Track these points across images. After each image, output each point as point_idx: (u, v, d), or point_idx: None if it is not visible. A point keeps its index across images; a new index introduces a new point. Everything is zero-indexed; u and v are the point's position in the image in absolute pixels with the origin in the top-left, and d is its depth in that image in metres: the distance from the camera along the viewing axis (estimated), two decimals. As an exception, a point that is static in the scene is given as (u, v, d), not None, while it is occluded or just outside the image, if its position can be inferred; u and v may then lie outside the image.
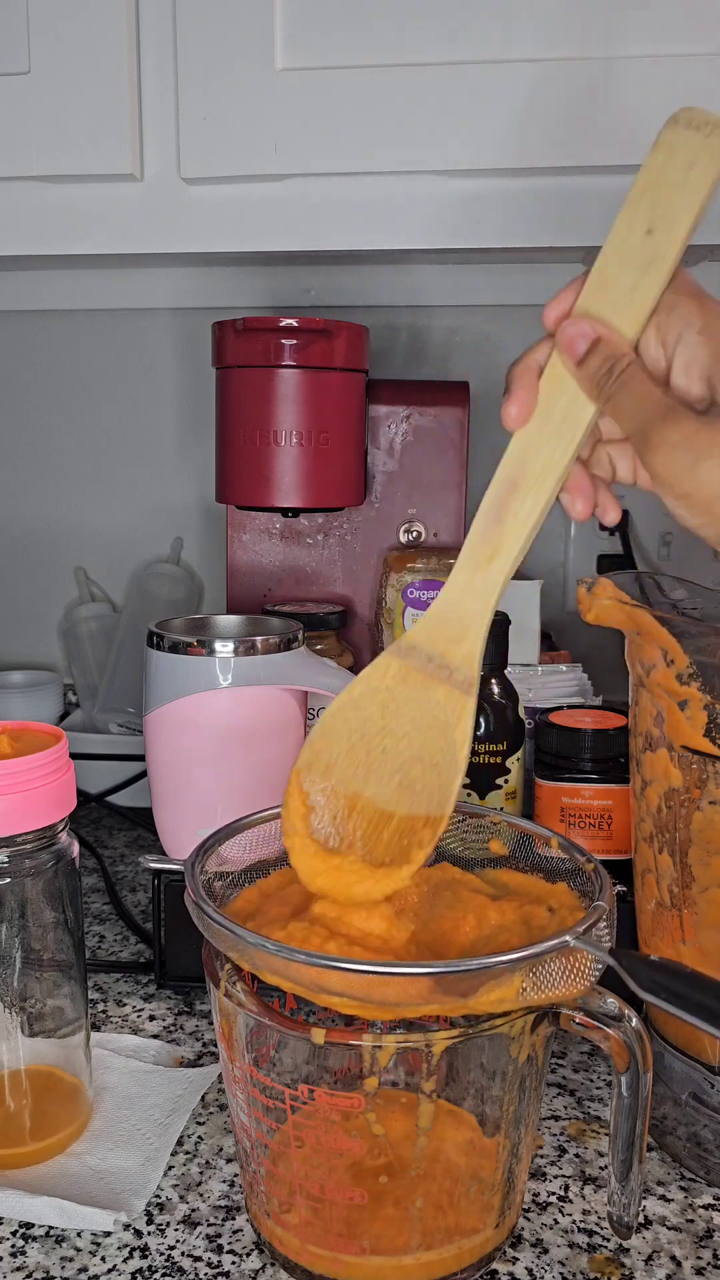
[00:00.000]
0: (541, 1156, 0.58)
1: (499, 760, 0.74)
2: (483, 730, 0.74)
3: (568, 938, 0.44)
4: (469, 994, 0.43)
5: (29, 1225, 0.53)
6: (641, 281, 0.48)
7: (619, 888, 0.52)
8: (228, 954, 0.47)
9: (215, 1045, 0.67)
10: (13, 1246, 0.51)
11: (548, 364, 0.49)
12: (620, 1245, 0.52)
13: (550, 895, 0.52)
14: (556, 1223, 0.53)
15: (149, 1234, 0.52)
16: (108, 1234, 0.52)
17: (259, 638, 0.68)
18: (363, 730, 0.50)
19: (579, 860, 0.53)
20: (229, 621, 0.73)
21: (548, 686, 0.91)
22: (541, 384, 0.48)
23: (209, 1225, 0.53)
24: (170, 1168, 0.56)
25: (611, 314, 0.48)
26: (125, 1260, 0.50)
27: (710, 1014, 0.42)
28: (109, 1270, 0.50)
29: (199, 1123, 0.60)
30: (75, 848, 0.58)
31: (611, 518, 0.51)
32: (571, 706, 0.78)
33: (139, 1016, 0.71)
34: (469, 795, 0.75)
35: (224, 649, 0.67)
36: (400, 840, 0.50)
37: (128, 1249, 0.51)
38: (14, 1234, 0.52)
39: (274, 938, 0.46)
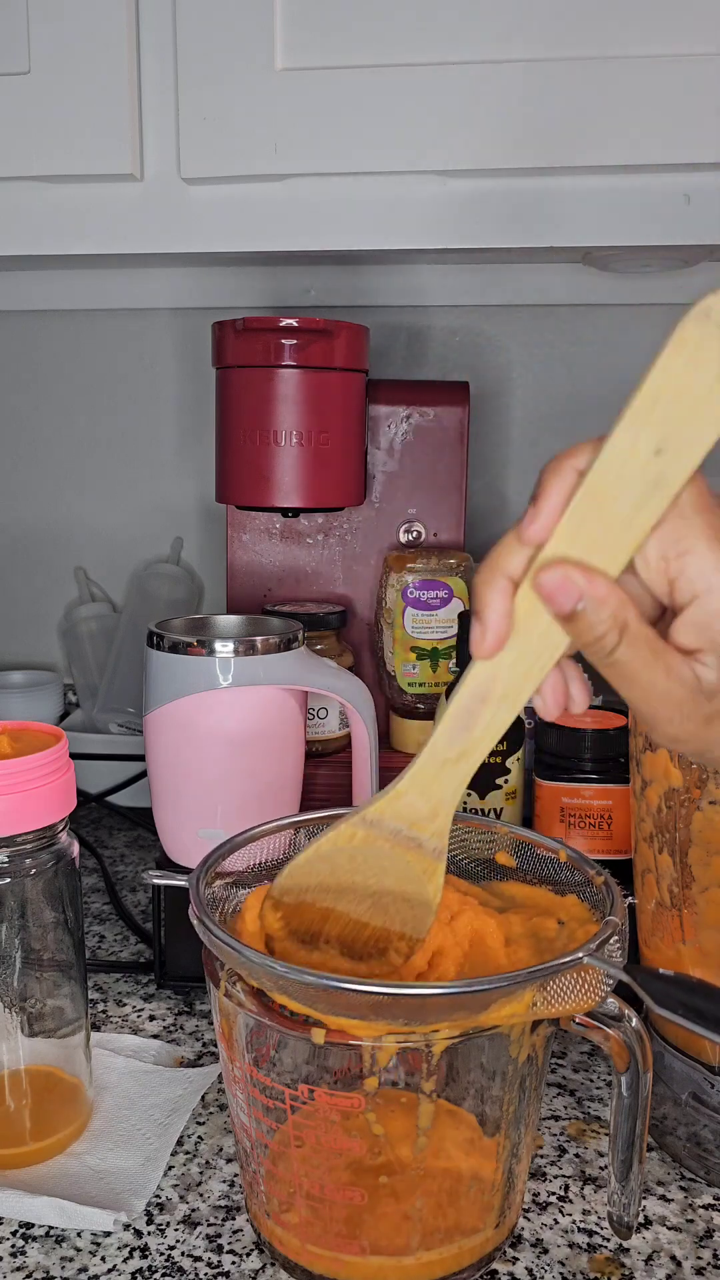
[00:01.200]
0: (541, 1156, 0.58)
1: (499, 760, 0.74)
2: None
3: (581, 955, 0.44)
4: (480, 1010, 0.43)
5: (29, 1225, 0.53)
6: (642, 509, 0.39)
7: (630, 900, 0.52)
8: (236, 970, 0.47)
9: (215, 1045, 0.67)
10: (13, 1246, 0.51)
11: (523, 584, 0.41)
12: (620, 1245, 0.52)
13: (559, 908, 0.52)
14: (556, 1223, 0.53)
15: (149, 1234, 0.52)
16: (108, 1234, 0.52)
17: (259, 638, 0.68)
18: (333, 873, 0.49)
19: (589, 873, 0.53)
20: (229, 621, 0.73)
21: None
22: (518, 603, 0.41)
23: (209, 1225, 0.53)
24: (170, 1168, 0.56)
25: (601, 547, 0.40)
26: (125, 1260, 0.50)
27: None
28: (109, 1270, 0.50)
29: (199, 1123, 0.60)
30: (75, 848, 0.58)
31: (580, 707, 0.45)
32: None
33: (139, 1016, 0.71)
34: (469, 796, 0.75)
35: (224, 649, 0.67)
36: (377, 942, 0.50)
37: (128, 1249, 0.51)
38: (14, 1234, 0.52)
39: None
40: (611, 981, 0.44)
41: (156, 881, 0.58)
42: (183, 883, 0.52)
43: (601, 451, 0.39)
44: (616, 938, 0.46)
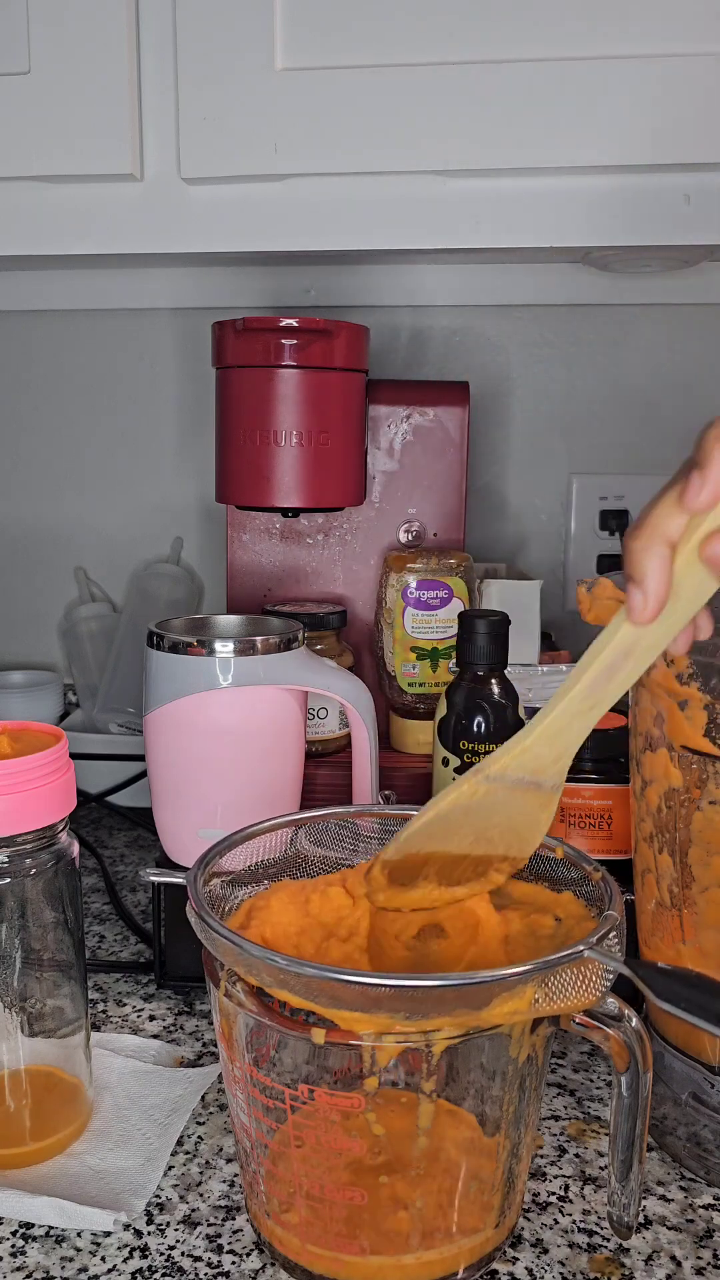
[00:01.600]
0: (541, 1156, 0.58)
1: (499, 760, 0.74)
2: (483, 730, 0.74)
3: (582, 948, 0.44)
4: (482, 1006, 0.43)
5: (29, 1225, 0.53)
6: None
7: (628, 896, 0.52)
8: (234, 968, 0.47)
9: (215, 1045, 0.67)
10: (13, 1246, 0.51)
11: (682, 548, 0.42)
12: (620, 1245, 0.52)
13: (556, 904, 0.53)
14: (556, 1223, 0.53)
15: (149, 1234, 0.52)
16: (108, 1234, 0.52)
17: (259, 638, 0.68)
18: (445, 826, 0.51)
19: (586, 869, 0.53)
20: (229, 621, 0.73)
21: (548, 686, 0.91)
22: (676, 568, 0.43)
23: (209, 1225, 0.53)
24: (170, 1168, 0.56)
25: None
26: (125, 1260, 0.50)
27: None
28: (109, 1270, 0.50)
29: (199, 1123, 0.60)
30: (75, 848, 0.58)
31: (706, 633, 0.48)
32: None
33: (139, 1016, 0.71)
34: (469, 795, 0.75)
35: (224, 649, 0.67)
36: (477, 867, 0.52)
37: (128, 1249, 0.51)
38: (14, 1234, 0.52)
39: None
40: (612, 975, 0.44)
41: (155, 879, 0.58)
42: (181, 880, 0.52)
43: None
44: (615, 933, 0.46)
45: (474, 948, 0.52)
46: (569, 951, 0.44)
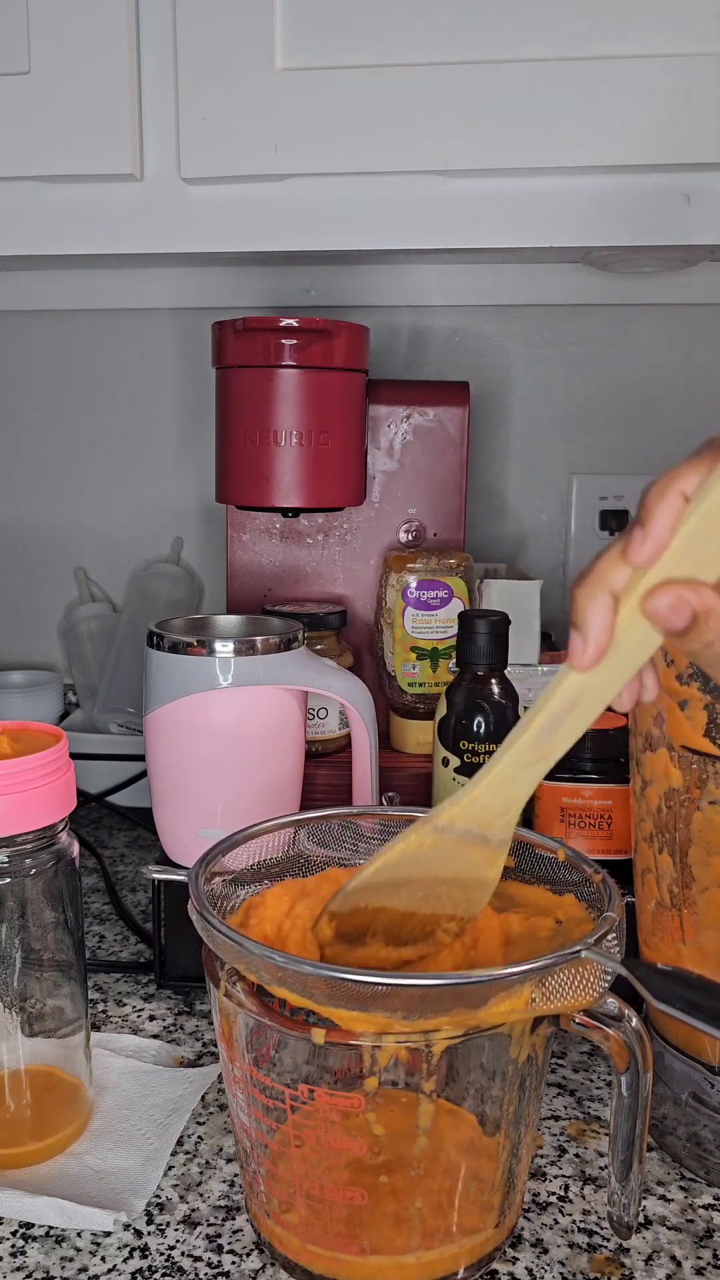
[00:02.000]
0: (541, 1156, 0.58)
1: (499, 760, 0.74)
2: (483, 730, 0.74)
3: (579, 949, 0.44)
4: (479, 1005, 0.43)
5: (29, 1225, 0.53)
6: None
7: (628, 898, 0.52)
8: (233, 965, 0.47)
9: (215, 1045, 0.67)
10: (13, 1246, 0.51)
11: (625, 601, 0.42)
12: (620, 1245, 0.52)
13: (557, 907, 0.53)
14: (556, 1223, 0.53)
15: (149, 1234, 0.52)
16: (108, 1234, 0.52)
17: (259, 638, 0.68)
18: (391, 879, 0.51)
19: (587, 871, 0.53)
20: (229, 621, 0.73)
21: (548, 687, 0.91)
22: (618, 620, 0.43)
23: (209, 1225, 0.53)
24: (170, 1168, 0.56)
25: (707, 563, 0.42)
26: (125, 1260, 0.50)
27: None
28: (109, 1270, 0.50)
29: (199, 1123, 0.60)
30: (75, 848, 0.58)
31: (652, 694, 0.47)
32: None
33: (139, 1016, 0.71)
34: (469, 795, 0.75)
35: (224, 649, 0.67)
36: (425, 927, 0.52)
37: (128, 1249, 0.51)
38: (14, 1234, 0.52)
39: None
40: (610, 976, 0.44)
41: (156, 876, 0.58)
42: (182, 878, 0.52)
43: (714, 477, 0.41)
44: (614, 934, 0.46)
45: (474, 951, 0.52)
46: (566, 952, 0.44)
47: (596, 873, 0.52)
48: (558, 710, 0.45)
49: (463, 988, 0.43)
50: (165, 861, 0.73)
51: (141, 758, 1.01)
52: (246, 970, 0.46)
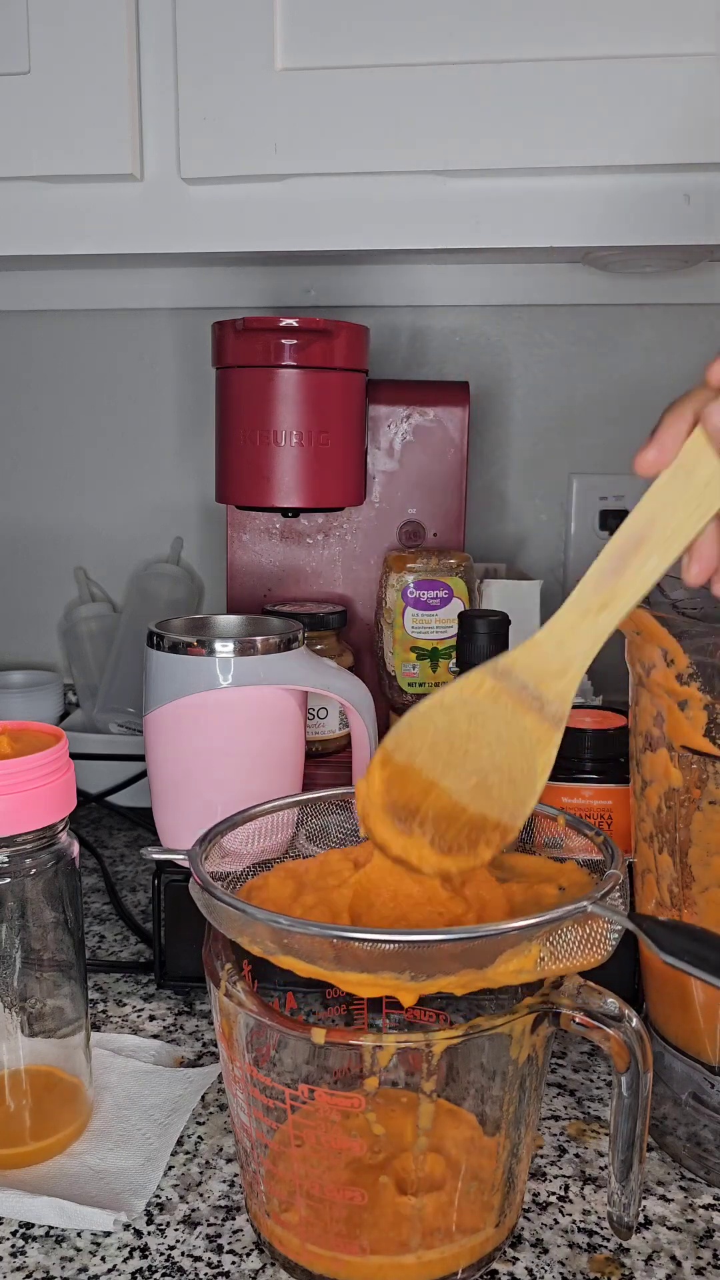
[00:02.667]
0: (541, 1156, 0.58)
1: (499, 760, 0.74)
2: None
3: (586, 903, 0.44)
4: (487, 965, 0.43)
5: (29, 1225, 0.53)
6: None
7: (630, 858, 0.52)
8: (236, 939, 0.46)
9: (215, 1045, 0.67)
10: (13, 1246, 0.51)
11: (697, 428, 0.43)
12: (620, 1245, 0.52)
13: (560, 874, 0.52)
14: (556, 1223, 0.53)
15: (149, 1234, 0.52)
16: (108, 1234, 0.52)
17: (259, 638, 0.68)
18: (448, 732, 0.49)
19: (587, 835, 0.53)
20: (229, 621, 0.73)
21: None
22: (687, 444, 0.43)
23: (209, 1225, 0.53)
24: (170, 1168, 0.56)
25: None
26: (125, 1260, 0.50)
27: None
28: (109, 1270, 0.50)
29: (199, 1123, 0.60)
30: (75, 848, 0.58)
31: None
32: (572, 706, 0.78)
33: (139, 1016, 0.71)
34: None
35: (224, 649, 0.67)
36: (469, 834, 0.50)
37: (128, 1249, 0.51)
38: (14, 1234, 0.52)
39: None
40: (618, 932, 0.44)
41: (155, 856, 0.58)
42: (181, 856, 0.52)
43: None
44: (618, 891, 0.46)
45: (480, 920, 0.52)
46: (572, 906, 0.44)
47: (598, 835, 0.52)
48: (622, 544, 0.44)
49: (470, 943, 0.43)
50: (165, 862, 0.73)
51: (141, 758, 1.01)
52: (251, 942, 0.45)
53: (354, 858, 0.54)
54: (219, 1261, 0.50)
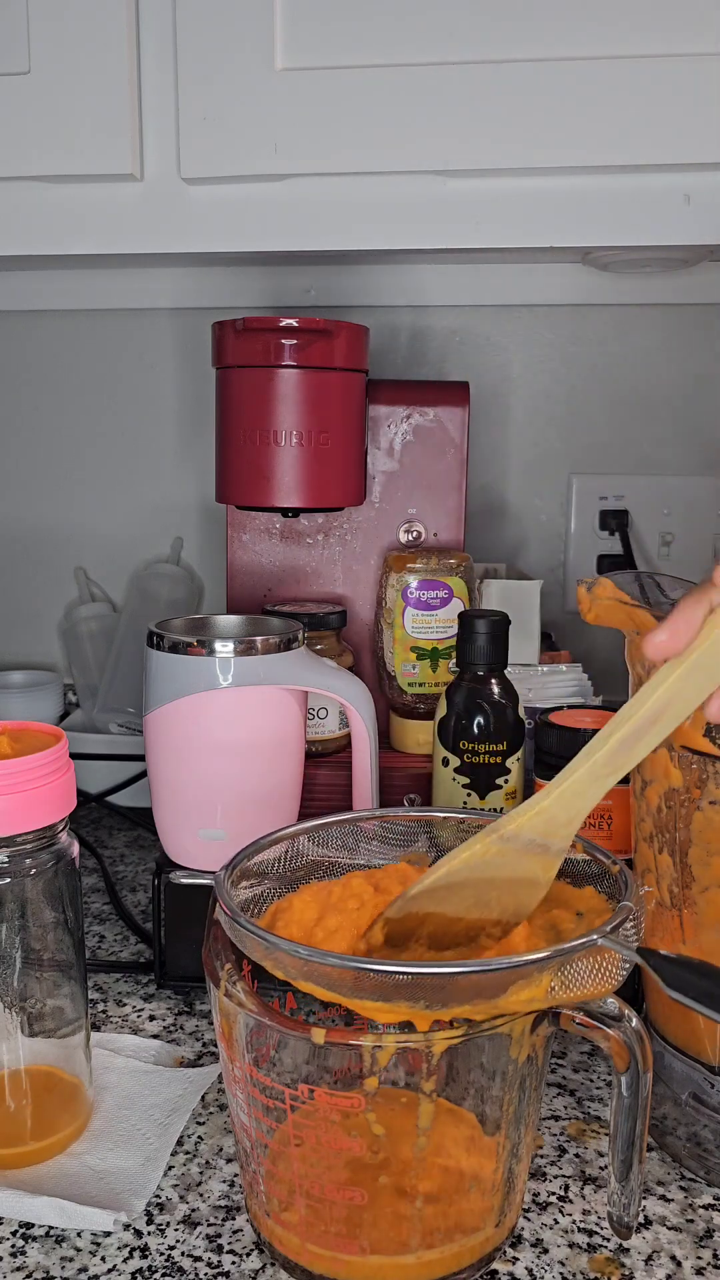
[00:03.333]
0: (541, 1156, 0.58)
1: (499, 760, 0.74)
2: (482, 730, 0.74)
3: (596, 936, 0.44)
4: (499, 994, 0.44)
5: (29, 1225, 0.53)
6: None
7: (646, 889, 0.52)
8: (261, 963, 0.47)
9: (215, 1045, 0.67)
10: (13, 1246, 0.51)
11: (712, 617, 0.45)
12: (620, 1245, 0.52)
13: (578, 900, 0.53)
14: (556, 1223, 0.53)
15: (149, 1234, 0.52)
16: (108, 1234, 0.52)
17: (259, 638, 0.68)
18: (448, 886, 0.51)
19: (604, 863, 0.53)
20: (229, 621, 0.73)
21: (548, 686, 0.91)
22: (706, 628, 0.45)
23: (209, 1225, 0.53)
24: (170, 1168, 0.56)
25: None
26: (125, 1260, 0.50)
27: None
28: (109, 1270, 0.50)
29: (199, 1123, 0.60)
30: (75, 848, 0.58)
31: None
32: (571, 706, 0.78)
33: (139, 1016, 0.71)
34: (469, 796, 0.75)
35: (224, 649, 0.67)
36: (467, 932, 0.52)
37: (128, 1249, 0.51)
38: (14, 1234, 0.52)
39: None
40: (628, 965, 0.45)
41: (184, 881, 0.58)
42: (207, 881, 0.52)
43: None
44: (632, 922, 0.46)
45: (498, 945, 0.52)
46: (583, 940, 0.44)
47: (614, 864, 0.52)
48: (642, 724, 0.46)
49: (482, 975, 0.43)
50: (165, 862, 0.73)
51: (141, 758, 1.01)
52: (274, 967, 0.46)
53: (376, 881, 0.55)
54: (219, 1261, 0.50)
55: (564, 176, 0.75)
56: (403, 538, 0.94)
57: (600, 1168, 0.57)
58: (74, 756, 0.58)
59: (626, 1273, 0.50)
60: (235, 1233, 0.52)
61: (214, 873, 0.52)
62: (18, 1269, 0.50)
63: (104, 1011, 0.71)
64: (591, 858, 0.54)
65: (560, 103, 0.72)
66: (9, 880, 0.55)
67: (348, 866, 0.59)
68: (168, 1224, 0.53)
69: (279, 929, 0.52)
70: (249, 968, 0.49)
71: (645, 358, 1.11)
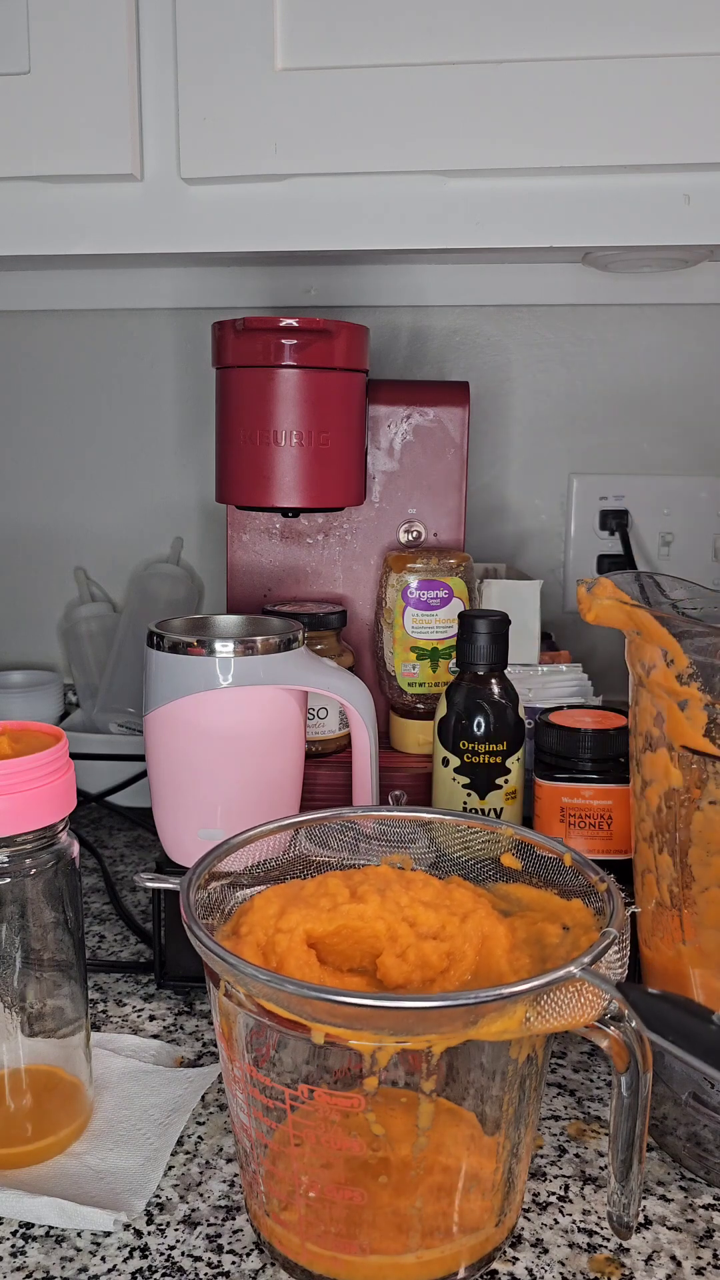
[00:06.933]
0: (541, 1156, 0.58)
1: (499, 760, 0.74)
2: (483, 730, 0.74)
3: (574, 969, 0.44)
4: (471, 1025, 0.43)
5: (29, 1225, 0.53)
6: None
7: (633, 909, 0.52)
8: (224, 978, 0.47)
9: (215, 1045, 0.67)
10: (13, 1246, 0.51)
11: None
12: (620, 1245, 0.52)
13: (565, 912, 0.52)
14: (556, 1223, 0.53)
15: (149, 1234, 0.52)
16: (108, 1234, 0.52)
17: (259, 638, 0.68)
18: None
19: (592, 879, 0.53)
20: (229, 621, 0.73)
21: (548, 686, 0.91)
22: None
23: (209, 1225, 0.53)
24: (170, 1168, 0.56)
25: None
26: (125, 1260, 0.50)
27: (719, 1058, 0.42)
28: (109, 1270, 0.50)
29: (199, 1123, 0.60)
30: (75, 848, 0.58)
31: None
32: (571, 706, 0.78)
33: (139, 1016, 0.71)
34: (469, 796, 0.75)
35: (224, 649, 0.67)
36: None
37: (128, 1249, 0.51)
38: (14, 1234, 0.52)
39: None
40: (607, 998, 0.44)
41: (150, 884, 0.58)
42: (174, 885, 0.52)
43: None
44: (616, 949, 0.46)
45: (479, 956, 0.52)
46: (561, 973, 0.44)
47: (602, 880, 0.52)
48: None
49: (452, 1010, 0.43)
50: (165, 862, 0.73)
51: (141, 758, 1.01)
52: (236, 983, 0.46)
53: (353, 884, 0.54)
54: (219, 1261, 0.50)
55: (564, 176, 0.75)
56: (403, 538, 0.94)
57: (600, 1168, 0.57)
58: (74, 756, 0.58)
59: (626, 1273, 0.50)
60: (235, 1233, 0.52)
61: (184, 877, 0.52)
62: (18, 1269, 0.50)
63: (104, 1011, 0.71)
64: (580, 871, 0.54)
65: (560, 103, 0.72)
66: (9, 880, 0.55)
67: (337, 864, 0.59)
68: (168, 1224, 0.53)
69: (243, 933, 0.52)
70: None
71: (645, 358, 1.11)
